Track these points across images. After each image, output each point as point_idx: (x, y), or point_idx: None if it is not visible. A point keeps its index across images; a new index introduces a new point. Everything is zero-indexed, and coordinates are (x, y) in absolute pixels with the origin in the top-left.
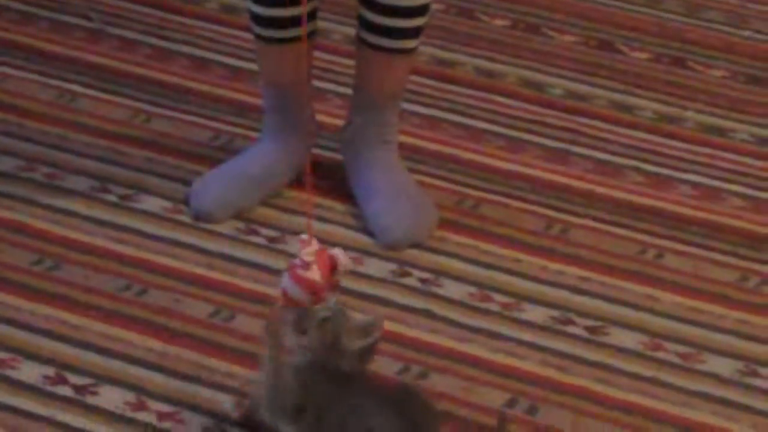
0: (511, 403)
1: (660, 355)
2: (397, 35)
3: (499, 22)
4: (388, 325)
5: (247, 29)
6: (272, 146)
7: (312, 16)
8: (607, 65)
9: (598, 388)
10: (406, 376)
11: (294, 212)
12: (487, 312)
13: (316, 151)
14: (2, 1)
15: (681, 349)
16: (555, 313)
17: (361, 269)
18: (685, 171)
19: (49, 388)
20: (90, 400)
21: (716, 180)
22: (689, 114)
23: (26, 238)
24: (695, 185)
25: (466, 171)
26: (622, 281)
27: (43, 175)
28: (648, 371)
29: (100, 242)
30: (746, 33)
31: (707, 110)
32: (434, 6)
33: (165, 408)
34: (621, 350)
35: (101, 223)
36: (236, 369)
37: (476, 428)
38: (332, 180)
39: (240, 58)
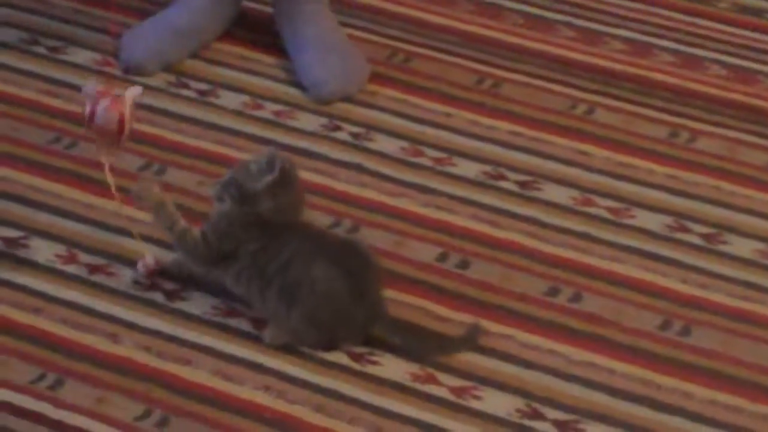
0: (442, 258)
1: (590, 210)
2: None
3: None
4: (319, 179)
5: None
6: None
7: None
8: None
9: (529, 242)
10: (336, 231)
11: (224, 65)
12: (418, 166)
13: (246, 2)
14: None
15: (611, 204)
16: (487, 167)
17: (292, 123)
18: (617, 26)
19: None
20: (21, 253)
21: (647, 36)
22: None
23: None
24: (626, 40)
25: (398, 25)
26: (554, 136)
27: None
28: (578, 226)
29: (29, 94)
30: None
31: None
32: None
33: (95, 261)
34: (552, 205)
35: (31, 74)
36: None
37: (407, 282)
38: (261, 33)
39: None
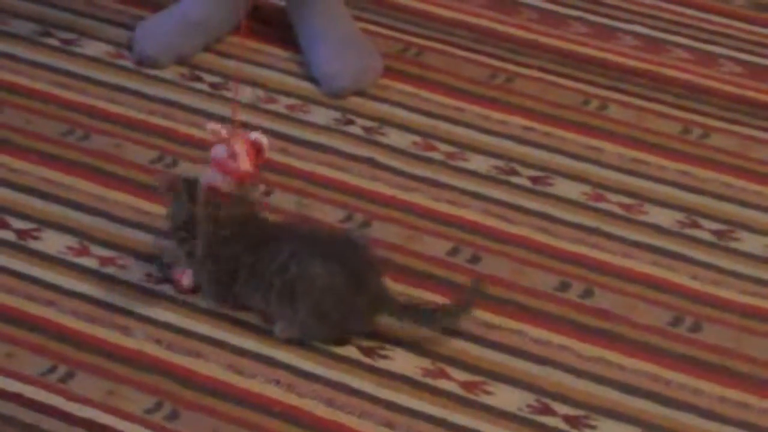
0: (453, 252)
1: (602, 205)
2: None
3: None
4: (331, 173)
5: None
6: None
7: None
8: None
9: (540, 237)
10: (348, 224)
11: (237, 58)
12: (430, 161)
13: None
14: None
15: (623, 199)
16: (498, 162)
17: (305, 117)
18: (630, 22)
19: None
20: (32, 244)
21: (660, 31)
22: None
23: None
24: (640, 36)
25: (411, 19)
26: (566, 131)
27: None
28: (590, 221)
29: (42, 86)
30: None
31: None
32: None
33: (107, 253)
34: (563, 200)
35: (43, 67)
36: None
37: (418, 276)
38: (274, 26)
39: None
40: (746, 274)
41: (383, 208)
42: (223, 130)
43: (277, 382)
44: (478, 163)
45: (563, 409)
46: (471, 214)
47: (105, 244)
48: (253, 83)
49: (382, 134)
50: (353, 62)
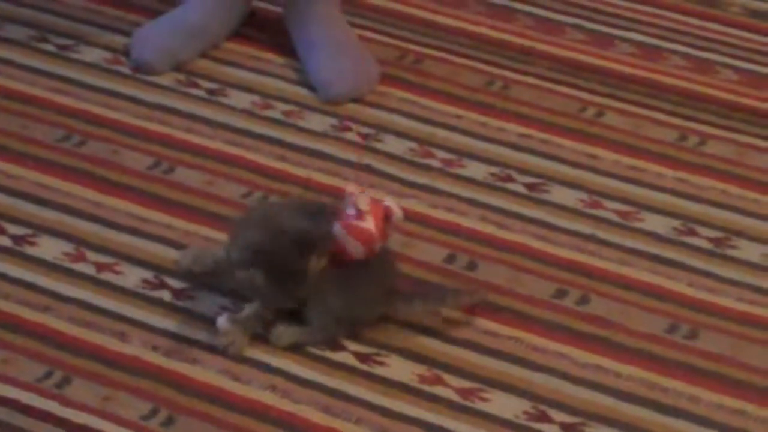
0: (449, 259)
1: (599, 212)
2: None
3: None
4: (328, 180)
5: None
6: None
7: None
8: None
9: (537, 244)
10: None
11: (233, 65)
12: (427, 168)
13: (256, 3)
14: None
15: (619, 207)
16: (495, 169)
17: (302, 123)
18: (627, 29)
19: None
20: (29, 250)
21: (658, 39)
22: None
23: None
24: (637, 44)
25: (408, 26)
26: (563, 138)
27: None
28: (586, 228)
29: (38, 92)
30: None
31: None
32: None
33: (103, 259)
34: (560, 207)
35: (40, 72)
36: (174, 221)
37: (414, 283)
38: (272, 33)
39: None
40: (743, 281)
41: None
42: (357, 191)
43: (273, 389)
44: (475, 169)
45: (560, 416)
46: (468, 221)
47: (101, 250)
48: (250, 89)
49: (380, 141)
50: (350, 69)
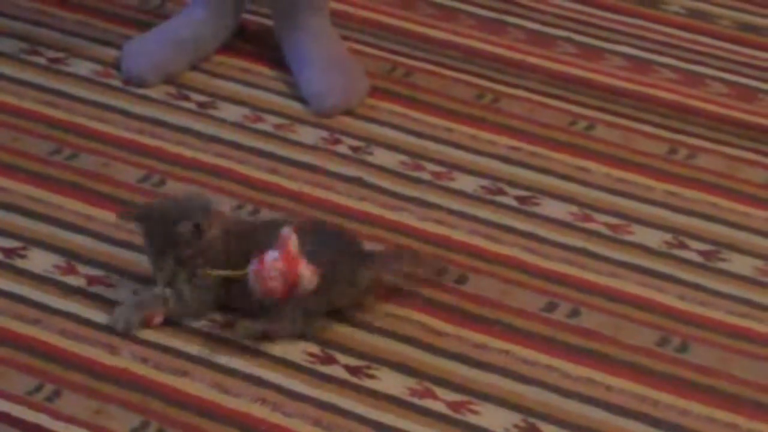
0: (440, 273)
1: (589, 225)
2: None
3: None
4: (319, 193)
5: None
6: (203, 10)
7: None
8: None
9: (528, 257)
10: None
11: (224, 77)
12: (418, 180)
13: (246, 16)
14: None
15: (610, 220)
16: (486, 182)
17: (292, 136)
18: (618, 43)
19: None
20: (19, 263)
21: (648, 52)
22: None
23: None
24: (627, 57)
25: (398, 39)
26: (553, 152)
27: None
28: (577, 241)
29: (29, 105)
30: None
31: None
32: None
33: (94, 272)
34: (550, 220)
35: (31, 85)
36: None
37: (404, 296)
38: (262, 45)
39: None
40: (733, 294)
41: (371, 228)
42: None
43: (264, 402)
44: (465, 182)
45: (550, 429)
46: (458, 234)
47: (92, 263)
48: (241, 102)
49: (370, 154)
50: (341, 82)
